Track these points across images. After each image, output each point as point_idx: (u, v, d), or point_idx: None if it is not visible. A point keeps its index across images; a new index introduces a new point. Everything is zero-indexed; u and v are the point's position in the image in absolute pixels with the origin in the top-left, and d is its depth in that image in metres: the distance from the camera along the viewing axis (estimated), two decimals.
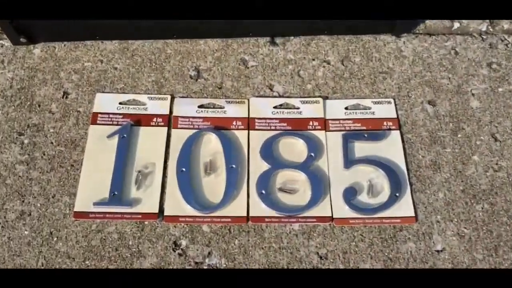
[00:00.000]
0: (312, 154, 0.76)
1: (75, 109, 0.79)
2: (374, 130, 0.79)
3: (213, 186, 0.72)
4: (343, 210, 0.71)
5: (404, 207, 0.71)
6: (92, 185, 0.71)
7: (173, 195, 0.71)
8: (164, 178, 0.72)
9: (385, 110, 0.81)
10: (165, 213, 0.70)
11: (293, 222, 0.70)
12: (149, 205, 0.70)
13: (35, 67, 0.82)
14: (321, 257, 0.67)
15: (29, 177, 0.72)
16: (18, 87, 0.81)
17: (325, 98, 0.82)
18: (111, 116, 0.78)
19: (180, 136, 0.76)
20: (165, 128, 0.77)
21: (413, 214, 0.71)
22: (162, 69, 0.84)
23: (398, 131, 0.78)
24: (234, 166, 0.74)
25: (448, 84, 0.84)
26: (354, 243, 0.68)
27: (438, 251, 0.68)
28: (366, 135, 0.78)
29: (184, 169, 0.73)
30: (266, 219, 0.70)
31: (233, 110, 0.79)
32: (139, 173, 0.73)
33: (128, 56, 0.85)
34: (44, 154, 0.74)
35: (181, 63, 0.85)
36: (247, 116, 0.79)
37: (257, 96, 0.81)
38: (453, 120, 0.79)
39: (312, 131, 0.78)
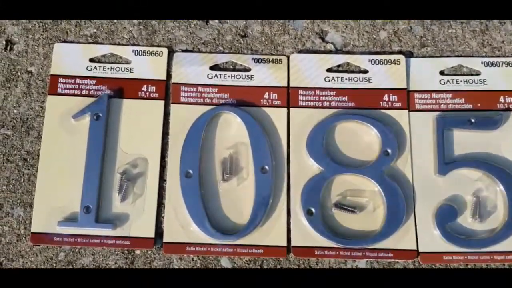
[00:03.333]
0: (388, 150, 0.50)
1: (24, 68, 0.53)
2: (486, 111, 0.52)
3: (235, 198, 0.49)
4: (434, 241, 0.47)
5: None
6: (56, 192, 0.48)
7: (175, 210, 0.48)
8: (161, 183, 0.49)
9: (502, 78, 0.53)
10: (165, 239, 0.47)
11: (358, 258, 0.47)
12: (141, 225, 0.48)
13: None
14: None
15: None
16: None
17: (409, 55, 0.54)
18: (78, 81, 0.51)
19: (183, 117, 0.50)
20: (161, 103, 0.51)
21: None
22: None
23: None
24: (266, 167, 0.49)
25: None
26: None
27: None
28: (473, 120, 0.52)
29: (191, 171, 0.49)
30: (317, 251, 0.47)
31: (264, 74, 0.52)
32: (124, 176, 0.50)
33: None
34: None
35: None
36: (286, 84, 0.52)
37: (301, 51, 0.55)
38: None
39: (388, 111, 0.52)
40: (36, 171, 0.49)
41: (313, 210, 0.48)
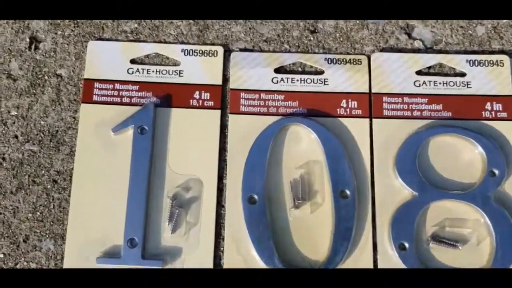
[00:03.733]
0: (495, 170, 0.44)
1: (52, 71, 0.47)
2: None
3: (308, 228, 0.42)
4: None
5: None
6: (93, 220, 0.42)
7: (237, 243, 0.42)
8: (219, 210, 0.43)
9: None
10: None
11: None
12: (196, 261, 0.41)
13: None
14: None
15: None
16: None
17: None
18: (117, 87, 0.45)
19: (244, 130, 0.44)
20: (217, 113, 0.45)
21: None
22: None
23: None
24: (347, 191, 0.42)
25: None
26: None
27: None
28: None
29: (255, 196, 0.43)
30: None
31: (340, 78, 0.45)
32: (175, 202, 0.44)
33: None
34: (3, 159, 0.45)
35: None
36: (367, 90, 0.45)
37: (384, 50, 0.47)
38: None
39: (492, 122, 0.46)
40: (69, 196, 0.42)
41: (406, 244, 0.41)
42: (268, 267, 0.41)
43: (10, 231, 0.42)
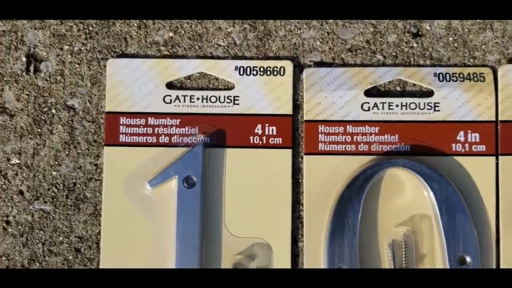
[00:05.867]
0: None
1: (61, 101, 0.44)
2: None
3: None
4: None
5: None
6: None
7: None
8: None
9: None
10: None
11: None
12: None
13: None
14: None
15: None
16: None
17: None
18: (151, 121, 0.44)
19: (326, 176, 0.43)
20: (287, 153, 0.43)
21: None
22: None
23: None
24: (468, 258, 0.41)
25: None
26: None
27: None
28: None
29: (345, 267, 0.42)
30: None
31: (456, 101, 0.43)
32: None
33: None
34: (8, 223, 0.43)
35: None
36: (493, 117, 0.43)
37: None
38: None
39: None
40: (98, 266, 0.41)
41: None
42: None
43: None
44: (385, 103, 0.44)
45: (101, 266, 0.43)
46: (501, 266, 0.43)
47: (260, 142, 0.44)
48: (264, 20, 0.45)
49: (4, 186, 0.44)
